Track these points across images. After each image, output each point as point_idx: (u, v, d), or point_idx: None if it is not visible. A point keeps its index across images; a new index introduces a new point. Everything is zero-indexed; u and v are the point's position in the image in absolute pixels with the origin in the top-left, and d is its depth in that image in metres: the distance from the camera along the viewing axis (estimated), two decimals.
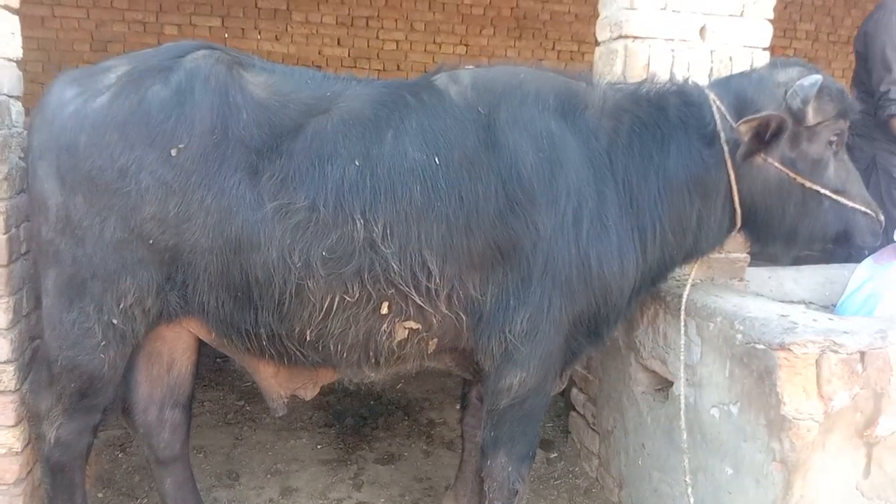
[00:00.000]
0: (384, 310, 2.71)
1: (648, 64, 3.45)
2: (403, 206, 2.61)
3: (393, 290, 2.67)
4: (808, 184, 2.81)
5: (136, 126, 2.55)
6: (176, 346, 3.02)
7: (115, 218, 2.57)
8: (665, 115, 2.87)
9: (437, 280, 2.66)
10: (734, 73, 3.28)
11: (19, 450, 3.10)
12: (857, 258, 3.93)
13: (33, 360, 3.14)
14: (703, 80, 3.47)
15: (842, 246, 3.06)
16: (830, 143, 2.82)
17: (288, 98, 2.72)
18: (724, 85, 2.96)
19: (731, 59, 3.55)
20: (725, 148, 2.79)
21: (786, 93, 2.75)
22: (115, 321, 2.65)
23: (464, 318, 2.78)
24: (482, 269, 2.72)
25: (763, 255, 3.40)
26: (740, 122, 2.68)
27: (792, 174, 2.80)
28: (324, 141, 2.64)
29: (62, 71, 2.83)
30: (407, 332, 2.79)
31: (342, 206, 2.58)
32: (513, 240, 2.69)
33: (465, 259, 2.68)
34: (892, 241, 3.76)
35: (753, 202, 2.86)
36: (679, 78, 3.06)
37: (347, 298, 2.66)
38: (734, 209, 2.87)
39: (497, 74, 2.92)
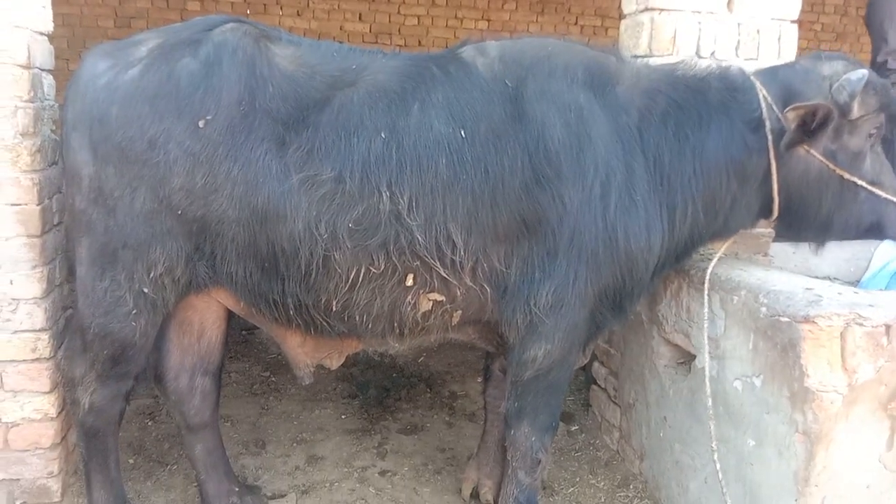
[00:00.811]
0: (409, 282, 2.74)
1: (675, 37, 3.43)
2: (429, 178, 2.63)
3: (418, 263, 2.70)
4: (846, 175, 2.84)
5: (165, 98, 2.60)
6: (206, 315, 3.08)
7: (144, 188, 2.62)
8: (704, 97, 2.89)
9: (462, 253, 2.68)
10: (779, 63, 3.30)
11: (54, 415, 3.22)
12: None
13: (67, 329, 3.23)
14: (730, 53, 3.48)
15: (873, 237, 3.12)
16: (870, 135, 2.86)
17: (314, 70, 2.74)
18: (769, 74, 2.96)
19: (758, 31, 3.52)
20: (770, 136, 2.80)
21: (831, 86, 2.78)
22: (145, 290, 2.72)
23: (488, 291, 2.80)
24: (507, 243, 2.74)
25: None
26: (789, 108, 2.70)
27: (832, 166, 2.83)
28: (350, 113, 2.66)
29: (87, 47, 2.88)
30: (431, 303, 2.82)
31: (368, 179, 2.61)
32: (539, 213, 2.70)
33: (491, 232, 2.70)
34: None
35: (791, 192, 2.89)
36: (724, 62, 3.10)
37: (373, 270, 2.69)
38: (771, 197, 2.90)
39: (525, 47, 2.91)
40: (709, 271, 3.01)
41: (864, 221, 2.95)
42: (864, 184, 2.86)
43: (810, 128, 2.71)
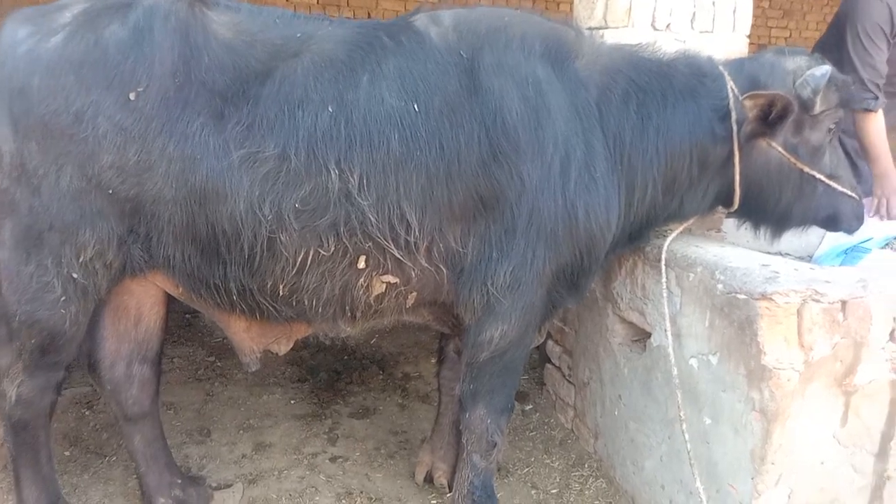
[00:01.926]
0: (361, 264, 2.62)
1: (630, 8, 3.35)
2: (381, 155, 2.50)
3: (370, 244, 2.58)
4: (806, 169, 2.86)
5: (92, 67, 2.41)
6: (143, 300, 2.91)
7: (71, 166, 2.43)
8: (670, 81, 2.86)
9: (417, 233, 2.57)
10: (745, 56, 3.32)
11: None
12: None
13: None
14: (685, 25, 3.43)
15: (829, 228, 3.16)
16: (830, 130, 2.88)
17: (255, 39, 2.58)
18: (736, 66, 2.93)
19: (713, 3, 3.46)
20: (735, 126, 2.77)
21: (794, 81, 2.78)
22: (75, 275, 2.53)
23: (444, 271, 2.70)
24: (464, 221, 2.64)
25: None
26: (746, 95, 2.71)
27: (793, 159, 2.84)
28: (294, 85, 2.51)
29: (2, 11, 2.65)
30: (385, 286, 2.71)
31: (315, 155, 2.47)
32: (496, 191, 2.60)
33: (446, 211, 2.59)
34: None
35: (751, 183, 2.88)
36: (692, 51, 3.05)
37: (322, 252, 2.56)
38: (730, 186, 2.89)
39: (480, 16, 2.78)
40: (665, 247, 2.96)
41: (821, 214, 3.00)
42: (822, 178, 2.89)
43: (769, 119, 2.72)
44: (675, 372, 2.78)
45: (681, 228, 3.10)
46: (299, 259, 2.57)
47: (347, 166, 2.48)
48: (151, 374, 3.03)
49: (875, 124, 3.91)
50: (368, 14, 9.01)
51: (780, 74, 2.82)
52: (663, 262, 2.91)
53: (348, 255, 2.59)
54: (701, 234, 3.47)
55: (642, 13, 3.35)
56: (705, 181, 2.92)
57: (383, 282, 2.69)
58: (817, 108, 2.78)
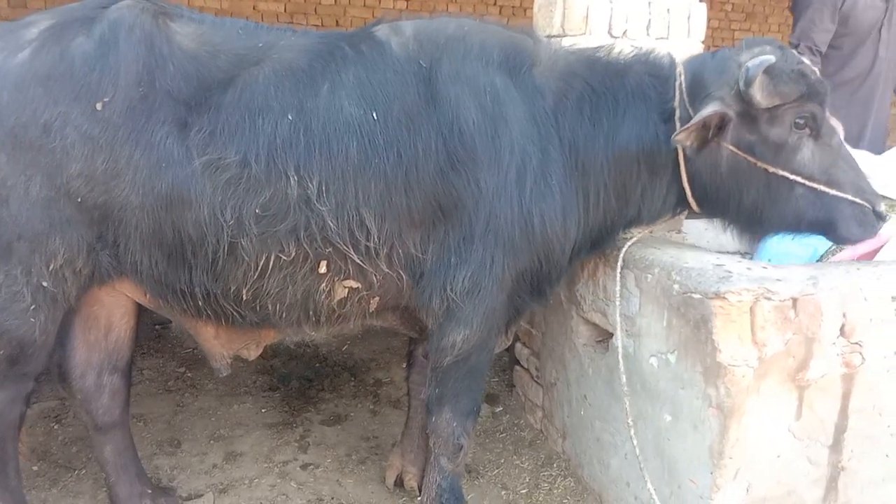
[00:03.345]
0: (322, 269, 2.66)
1: (587, 16, 3.41)
2: (339, 162, 2.54)
3: (330, 249, 2.62)
4: (771, 169, 2.66)
5: (59, 80, 2.46)
6: (114, 310, 2.93)
7: (40, 176, 2.47)
8: (623, 83, 2.82)
9: (376, 239, 2.62)
10: (708, 52, 3.18)
11: None
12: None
13: None
14: (641, 32, 3.49)
15: (826, 235, 2.86)
16: (797, 126, 2.64)
17: (218, 49, 2.63)
18: (690, 62, 2.84)
19: (668, 10, 3.53)
20: (678, 126, 2.70)
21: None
22: (45, 283, 2.56)
23: (405, 277, 2.75)
24: (423, 228, 2.68)
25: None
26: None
27: (751, 158, 2.66)
28: (254, 93, 2.56)
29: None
30: (347, 290, 2.75)
31: (275, 162, 2.52)
32: (454, 197, 2.65)
33: (405, 217, 2.64)
34: None
35: (707, 184, 2.78)
36: (656, 50, 2.96)
37: (283, 257, 2.60)
38: (683, 189, 2.82)
39: (440, 26, 2.84)
40: (622, 251, 3.02)
41: (807, 218, 2.73)
42: (797, 178, 2.65)
43: (709, 136, 2.62)
44: (623, 380, 2.85)
45: (643, 233, 3.13)
46: (261, 264, 2.61)
47: (307, 173, 2.52)
48: (122, 384, 3.04)
49: None
50: (336, 22, 9.05)
51: (730, 69, 2.66)
52: (619, 265, 2.97)
53: (309, 261, 2.63)
54: (661, 235, 3.55)
55: (599, 20, 3.41)
56: (661, 185, 2.87)
57: (345, 286, 2.73)
58: (762, 102, 2.58)
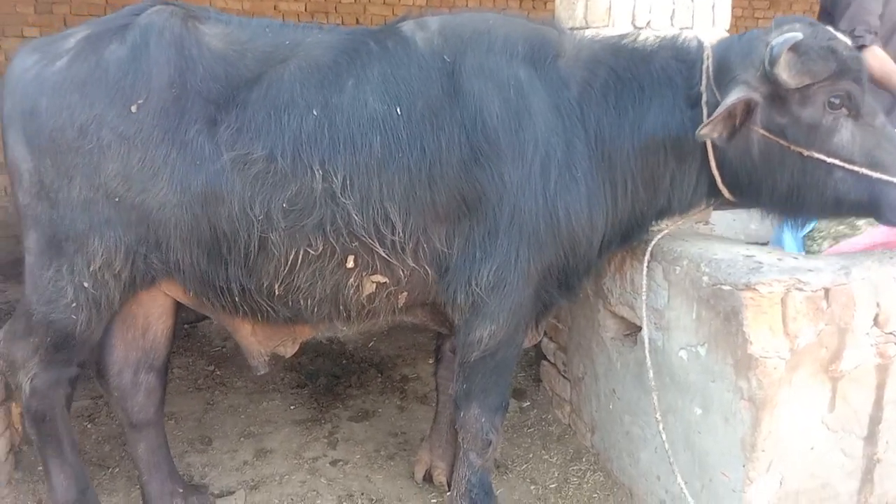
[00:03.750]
0: (350, 263, 2.69)
1: (610, 7, 3.39)
2: (363, 156, 2.57)
3: (357, 244, 2.65)
4: (806, 152, 2.54)
5: (94, 85, 2.58)
6: (151, 309, 3.00)
7: (80, 177, 2.58)
8: (648, 69, 2.77)
9: (401, 233, 2.64)
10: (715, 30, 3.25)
11: None
12: None
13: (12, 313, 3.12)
14: (665, 22, 3.46)
15: (872, 217, 2.74)
16: (832, 105, 2.53)
17: (245, 48, 2.70)
18: (718, 45, 2.76)
19: (692, 0, 3.50)
20: (705, 111, 2.62)
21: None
22: (85, 284, 2.67)
23: (430, 272, 2.76)
24: (448, 222, 2.69)
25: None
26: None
27: (783, 142, 2.56)
28: (280, 90, 2.62)
29: (5, 35, 2.80)
30: (375, 285, 2.77)
31: (300, 157, 2.56)
32: (478, 191, 2.65)
33: (430, 211, 2.65)
34: None
35: (739, 171, 2.69)
36: (684, 34, 2.89)
37: (311, 252, 2.65)
38: (713, 176, 2.74)
39: (465, 20, 2.85)
40: (651, 243, 2.99)
41: (848, 200, 2.60)
42: (834, 160, 2.53)
43: (737, 124, 2.53)
44: (651, 374, 2.82)
45: (672, 226, 3.07)
46: (290, 258, 2.66)
47: (331, 167, 2.56)
48: (157, 383, 3.10)
49: (874, 59, 3.79)
50: (357, 20, 9.05)
51: (758, 49, 2.56)
52: (647, 258, 2.94)
53: (336, 255, 2.67)
54: (689, 226, 3.51)
55: (622, 11, 3.39)
56: (691, 173, 2.79)
57: (373, 282, 2.75)
58: (789, 82, 2.48)
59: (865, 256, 2.79)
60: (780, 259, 2.68)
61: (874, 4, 3.97)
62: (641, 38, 2.92)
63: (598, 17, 3.38)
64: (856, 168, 2.54)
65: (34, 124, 2.58)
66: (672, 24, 3.47)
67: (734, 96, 2.49)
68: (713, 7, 3.52)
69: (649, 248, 2.99)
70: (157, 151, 2.57)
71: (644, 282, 2.90)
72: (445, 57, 2.71)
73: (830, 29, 2.64)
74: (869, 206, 2.61)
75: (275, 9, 8.83)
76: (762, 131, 2.58)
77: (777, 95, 2.54)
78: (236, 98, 2.60)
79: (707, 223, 3.71)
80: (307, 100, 2.60)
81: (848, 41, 2.62)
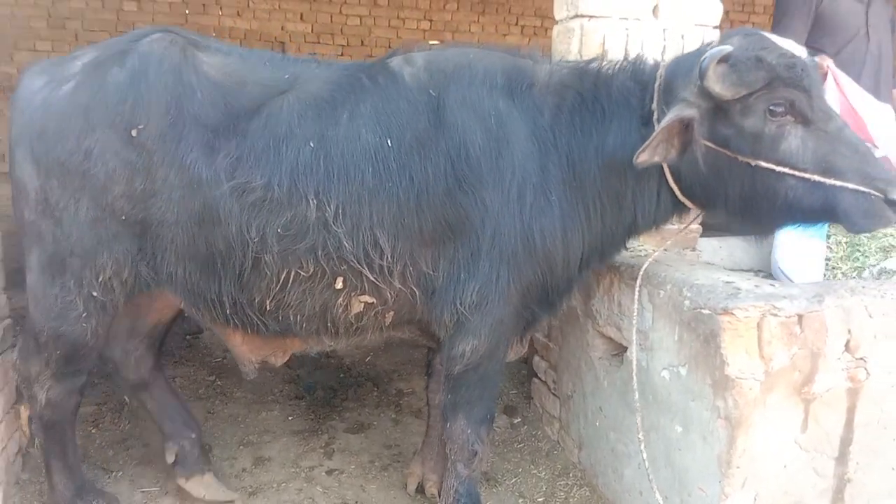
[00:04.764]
0: (339, 284, 2.84)
1: (604, 42, 3.57)
2: (356, 187, 2.72)
3: (346, 267, 2.80)
4: (753, 161, 2.55)
5: (97, 110, 2.70)
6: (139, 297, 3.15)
7: (87, 198, 2.72)
8: (609, 91, 2.87)
9: (390, 258, 2.79)
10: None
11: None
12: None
13: (21, 331, 3.28)
14: (656, 58, 3.61)
15: (835, 222, 2.70)
16: (772, 113, 2.52)
17: (245, 79, 2.84)
18: (670, 63, 2.85)
19: (682, 36, 3.68)
20: (657, 128, 2.62)
21: None
22: (94, 293, 2.82)
23: (417, 293, 2.90)
24: (433, 246, 2.84)
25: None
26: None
27: (728, 152, 2.59)
28: (279, 122, 2.76)
29: (18, 48, 2.95)
30: (363, 305, 2.92)
31: (296, 187, 2.71)
32: (462, 217, 2.80)
33: (417, 237, 2.80)
34: None
35: (691, 183, 2.76)
36: (642, 56, 3.00)
37: (302, 273, 2.80)
38: (673, 189, 2.81)
39: (449, 56, 3.01)
40: (642, 269, 3.10)
41: (803, 208, 2.60)
42: (783, 169, 2.52)
43: (681, 143, 2.58)
44: (636, 396, 2.93)
45: (660, 250, 3.19)
46: (282, 277, 2.81)
47: (325, 197, 2.71)
48: (146, 352, 3.41)
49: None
50: (362, 42, 9.26)
51: (697, 65, 2.58)
52: (638, 282, 3.06)
53: (326, 276, 2.82)
54: (675, 252, 3.67)
55: (615, 46, 3.56)
56: (651, 188, 2.85)
57: (361, 301, 2.90)
58: (724, 94, 2.50)
59: (839, 285, 2.94)
60: (757, 286, 2.82)
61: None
62: (603, 62, 3.00)
63: (593, 52, 3.54)
64: (807, 175, 2.53)
65: (42, 146, 2.72)
66: (663, 60, 3.62)
67: (667, 118, 2.56)
68: (703, 41, 3.69)
69: (640, 274, 3.12)
70: (157, 173, 2.71)
71: (635, 306, 3.02)
72: (431, 91, 2.85)
73: (771, 37, 2.62)
74: (827, 212, 2.60)
75: (282, 29, 9.05)
76: (707, 143, 2.60)
77: (719, 108, 2.57)
78: (237, 127, 2.74)
79: (694, 249, 3.86)
80: (305, 132, 2.74)
81: (792, 49, 2.60)
